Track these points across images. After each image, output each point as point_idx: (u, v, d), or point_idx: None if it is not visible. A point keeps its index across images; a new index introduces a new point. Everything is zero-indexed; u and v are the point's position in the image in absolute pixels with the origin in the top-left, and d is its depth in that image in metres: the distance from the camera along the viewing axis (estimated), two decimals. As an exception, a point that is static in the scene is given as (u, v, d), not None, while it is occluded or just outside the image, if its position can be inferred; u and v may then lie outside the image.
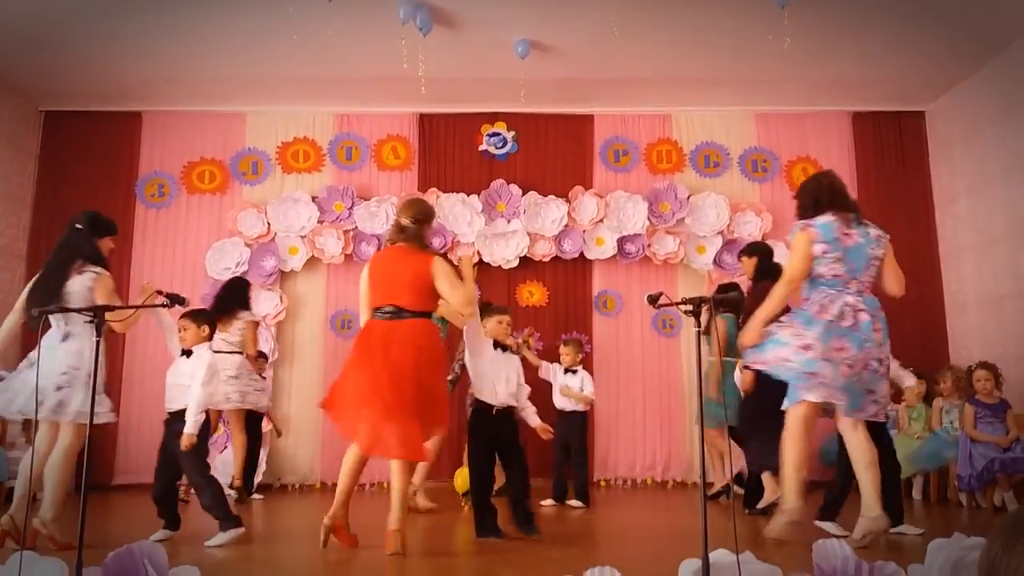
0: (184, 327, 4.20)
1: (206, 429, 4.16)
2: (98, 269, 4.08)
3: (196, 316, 4.27)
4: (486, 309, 4.44)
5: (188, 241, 7.26)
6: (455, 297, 3.85)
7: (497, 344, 4.30)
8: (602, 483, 7.02)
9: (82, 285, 4.01)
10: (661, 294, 3.20)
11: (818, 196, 4.10)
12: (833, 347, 3.74)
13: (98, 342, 3.01)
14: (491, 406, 4.21)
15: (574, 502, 5.53)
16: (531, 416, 4.34)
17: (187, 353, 4.17)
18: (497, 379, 4.21)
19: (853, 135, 7.57)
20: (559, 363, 5.88)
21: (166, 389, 4.20)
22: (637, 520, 5.28)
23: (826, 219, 3.98)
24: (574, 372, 5.80)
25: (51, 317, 3.92)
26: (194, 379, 4.06)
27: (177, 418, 4.08)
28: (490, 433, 4.21)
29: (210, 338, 4.28)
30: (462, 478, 5.69)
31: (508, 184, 7.28)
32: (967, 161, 6.95)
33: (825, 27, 5.94)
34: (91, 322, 3.05)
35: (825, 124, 7.60)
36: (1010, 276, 6.36)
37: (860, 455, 3.84)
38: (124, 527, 4.86)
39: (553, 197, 7.24)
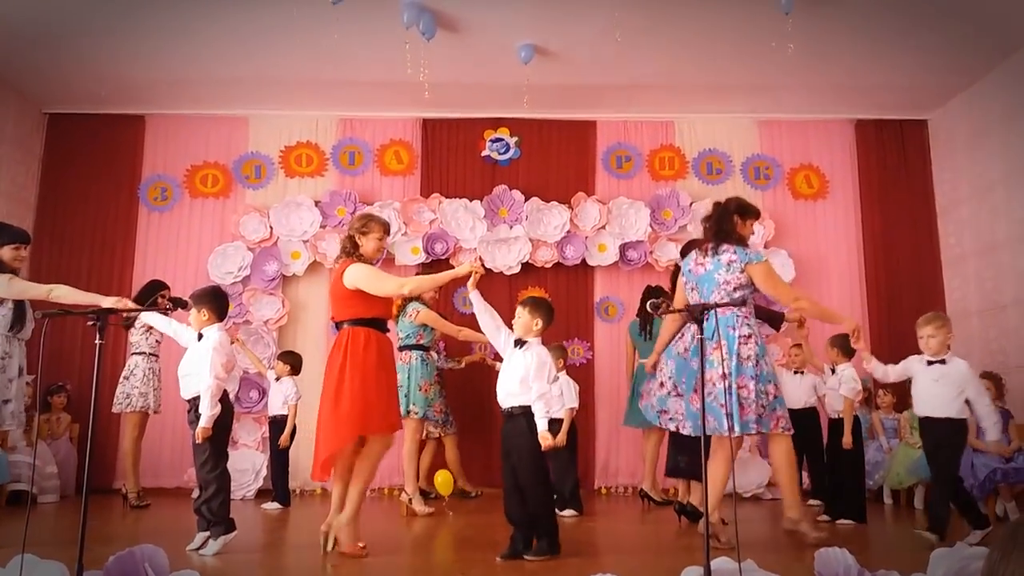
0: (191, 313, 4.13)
1: (227, 419, 4.03)
2: None
3: (193, 299, 4.15)
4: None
5: (191, 245, 7.27)
6: (374, 288, 3.91)
7: (517, 341, 3.94)
8: (603, 491, 7.01)
9: None
10: (663, 301, 3.22)
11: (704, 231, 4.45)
12: (683, 380, 4.14)
13: (101, 345, 3.01)
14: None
15: (566, 512, 5.45)
16: (537, 419, 3.77)
17: (200, 337, 4.07)
18: (500, 378, 3.96)
19: (856, 143, 7.58)
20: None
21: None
22: (639, 528, 5.27)
23: (692, 253, 4.39)
24: (555, 379, 5.73)
25: None
26: (202, 365, 3.94)
27: (191, 407, 3.99)
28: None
29: (215, 320, 4.08)
30: (442, 478, 5.70)
31: (510, 190, 7.29)
32: (969, 168, 6.96)
33: (828, 34, 5.94)
34: (93, 324, 3.04)
35: (828, 132, 7.61)
36: (1012, 284, 6.35)
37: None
38: (125, 530, 4.85)
39: (555, 203, 7.24)
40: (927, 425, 4.29)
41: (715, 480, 4.08)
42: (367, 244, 4.05)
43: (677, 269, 5.31)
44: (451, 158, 7.48)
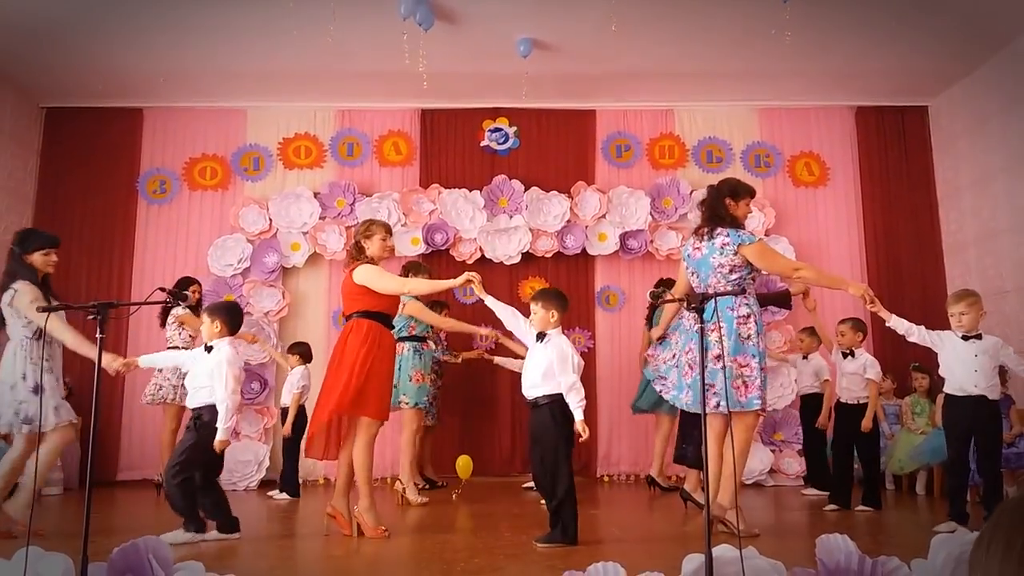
0: (202, 322, 4.20)
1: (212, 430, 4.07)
2: (15, 286, 4.21)
3: (208, 311, 4.20)
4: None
5: (190, 237, 7.26)
6: (379, 285, 4.14)
7: (539, 335, 3.96)
8: (605, 479, 7.02)
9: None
10: (662, 290, 3.22)
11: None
12: (684, 352, 4.20)
13: (101, 339, 3.00)
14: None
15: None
16: (573, 410, 3.83)
17: (208, 349, 4.10)
18: (525, 371, 4.01)
19: (856, 129, 7.56)
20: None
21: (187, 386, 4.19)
22: (641, 516, 5.28)
23: (691, 238, 4.43)
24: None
25: None
26: (213, 378, 3.98)
27: (197, 415, 4.05)
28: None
29: (227, 333, 4.12)
30: (463, 462, 5.81)
31: (510, 180, 7.27)
32: (970, 155, 6.94)
33: (827, 21, 5.91)
34: (94, 318, 3.03)
35: (828, 119, 7.59)
36: (1013, 269, 6.35)
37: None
38: (128, 522, 4.87)
39: (555, 193, 7.22)
40: (961, 404, 4.23)
41: (712, 460, 4.02)
42: (372, 247, 4.28)
43: None
44: (450, 148, 7.46)
